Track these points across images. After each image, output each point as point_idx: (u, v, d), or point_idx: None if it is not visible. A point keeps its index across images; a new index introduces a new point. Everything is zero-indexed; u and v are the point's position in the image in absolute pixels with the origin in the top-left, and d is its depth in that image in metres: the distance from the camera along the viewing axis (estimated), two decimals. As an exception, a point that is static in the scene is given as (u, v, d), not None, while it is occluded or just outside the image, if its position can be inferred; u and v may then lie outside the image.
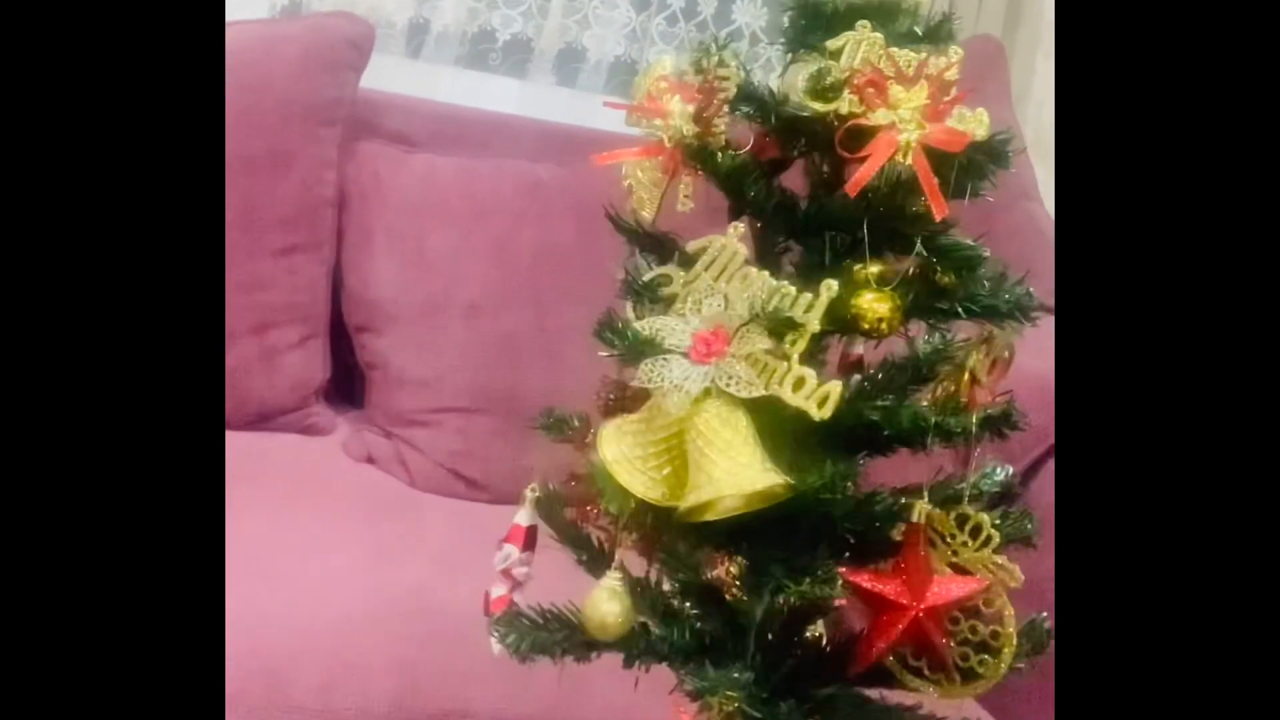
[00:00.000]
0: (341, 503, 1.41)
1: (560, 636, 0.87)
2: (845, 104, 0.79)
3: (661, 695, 0.86)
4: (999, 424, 0.83)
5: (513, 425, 1.51)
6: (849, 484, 0.79)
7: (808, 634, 0.88)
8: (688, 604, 0.90)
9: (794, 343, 0.77)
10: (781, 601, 0.79)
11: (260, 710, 1.08)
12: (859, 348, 0.86)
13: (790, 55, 0.85)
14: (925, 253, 0.81)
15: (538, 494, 0.90)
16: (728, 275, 0.80)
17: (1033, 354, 0.86)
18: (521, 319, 1.57)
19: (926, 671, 0.84)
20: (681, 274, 0.83)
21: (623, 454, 0.81)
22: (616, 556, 0.86)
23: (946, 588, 0.80)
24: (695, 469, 0.78)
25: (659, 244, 0.87)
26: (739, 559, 0.87)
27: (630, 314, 0.85)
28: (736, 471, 0.76)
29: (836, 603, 0.84)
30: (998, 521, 0.82)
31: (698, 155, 0.83)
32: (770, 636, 0.85)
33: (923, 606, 0.80)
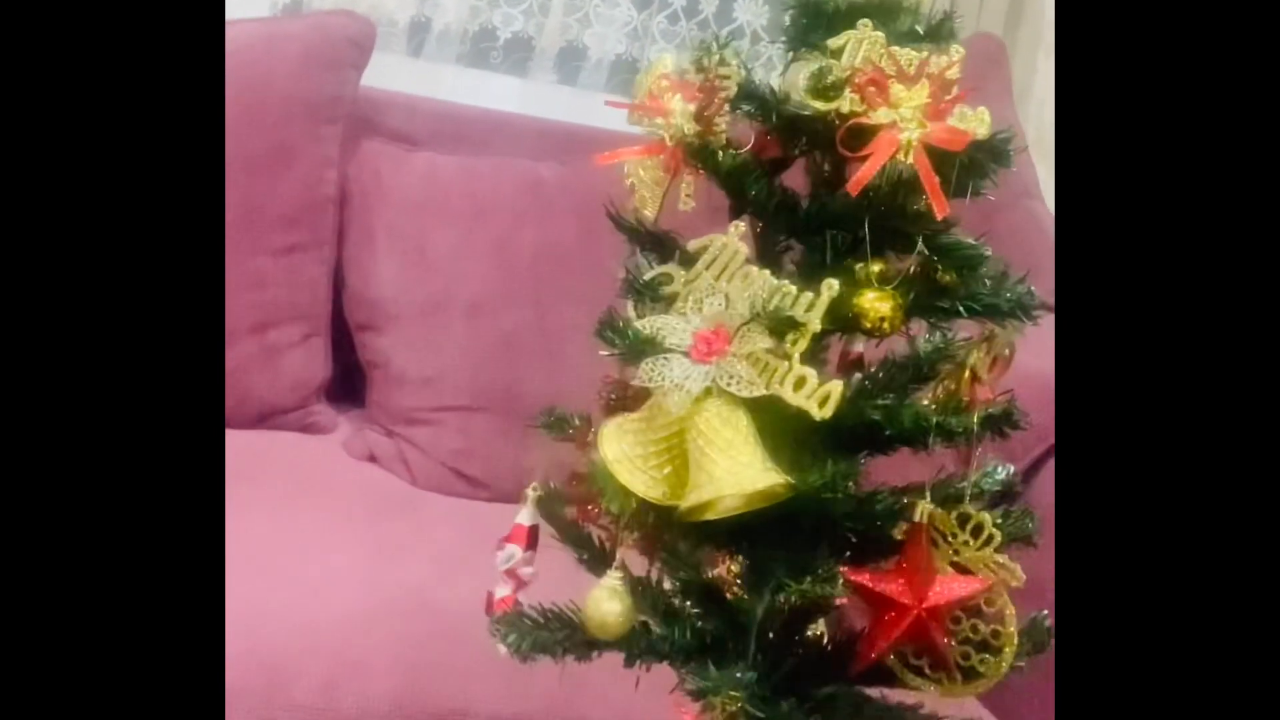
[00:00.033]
0: (343, 501, 1.42)
1: (561, 636, 0.87)
2: (846, 103, 0.79)
3: (662, 695, 0.86)
4: (1000, 423, 0.83)
5: (514, 424, 1.51)
6: (850, 483, 0.79)
7: (809, 633, 0.88)
8: (689, 603, 0.90)
9: (795, 342, 0.77)
10: (782, 600, 0.79)
11: (262, 708, 1.08)
12: (860, 346, 0.86)
13: (791, 54, 0.85)
14: (927, 251, 0.81)
15: (539, 493, 0.90)
16: (729, 274, 0.80)
17: (1034, 353, 0.86)
18: (522, 318, 1.57)
19: (928, 670, 0.84)
20: (682, 273, 0.83)
21: (623, 453, 0.81)
22: (617, 555, 0.86)
23: (948, 587, 0.80)
24: (696, 468, 0.78)
25: (660, 243, 0.87)
26: (740, 558, 0.88)
27: (631, 313, 0.85)
28: (737, 471, 0.76)
29: (838, 602, 0.84)
30: (999, 520, 0.82)
31: (699, 154, 0.83)
32: (771, 635, 0.85)
33: (924, 606, 0.80)
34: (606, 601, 0.85)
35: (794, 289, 0.78)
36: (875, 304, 0.79)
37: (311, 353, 1.59)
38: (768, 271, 0.79)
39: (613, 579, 0.85)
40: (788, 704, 0.82)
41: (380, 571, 1.25)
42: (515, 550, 0.90)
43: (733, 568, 0.90)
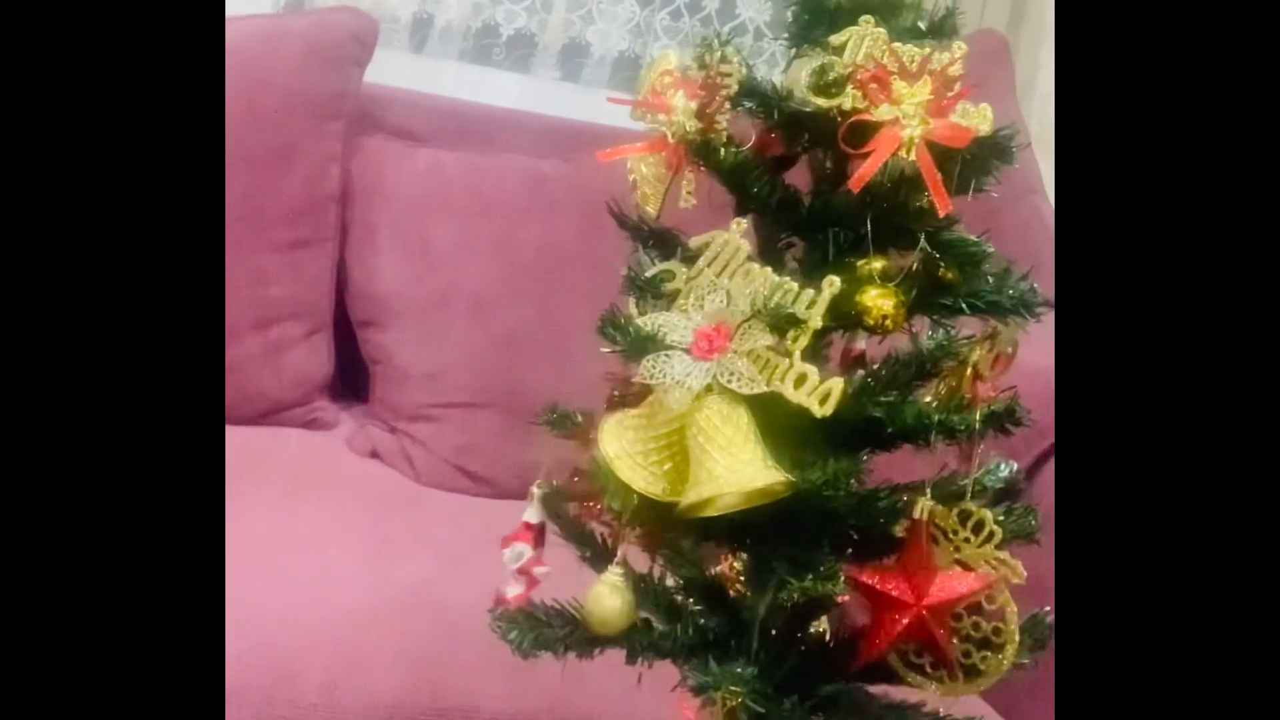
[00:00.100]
0: (346, 498, 1.42)
1: (563, 633, 0.87)
2: (848, 99, 0.79)
3: (665, 692, 0.86)
4: (1002, 420, 0.83)
5: (516, 420, 1.51)
6: (852, 480, 0.79)
7: (811, 631, 0.88)
8: (690, 600, 0.90)
9: (796, 339, 0.77)
10: (784, 598, 0.79)
11: (265, 705, 1.08)
12: (862, 343, 0.86)
13: (793, 50, 0.85)
14: (929, 248, 0.81)
15: (544, 491, 0.90)
16: (730, 271, 0.80)
17: (1037, 350, 0.86)
18: (525, 314, 1.57)
19: (929, 669, 0.84)
20: (684, 270, 0.83)
21: (624, 449, 0.81)
22: (619, 552, 0.86)
23: (949, 584, 0.80)
24: (696, 465, 0.78)
25: (662, 240, 0.87)
26: (742, 555, 0.88)
27: (633, 310, 0.85)
28: (737, 469, 0.76)
29: (840, 599, 0.84)
30: (1001, 518, 0.82)
31: (701, 151, 0.83)
32: (773, 633, 0.85)
33: (925, 603, 0.80)
34: (608, 598, 0.85)
35: (795, 286, 0.78)
36: (877, 301, 0.79)
37: (314, 349, 1.59)
38: (769, 269, 0.79)
39: (614, 575, 0.85)
40: (790, 701, 0.82)
41: (383, 568, 1.25)
42: (525, 549, 0.89)
43: (735, 565, 0.90)
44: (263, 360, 1.54)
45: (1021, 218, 1.61)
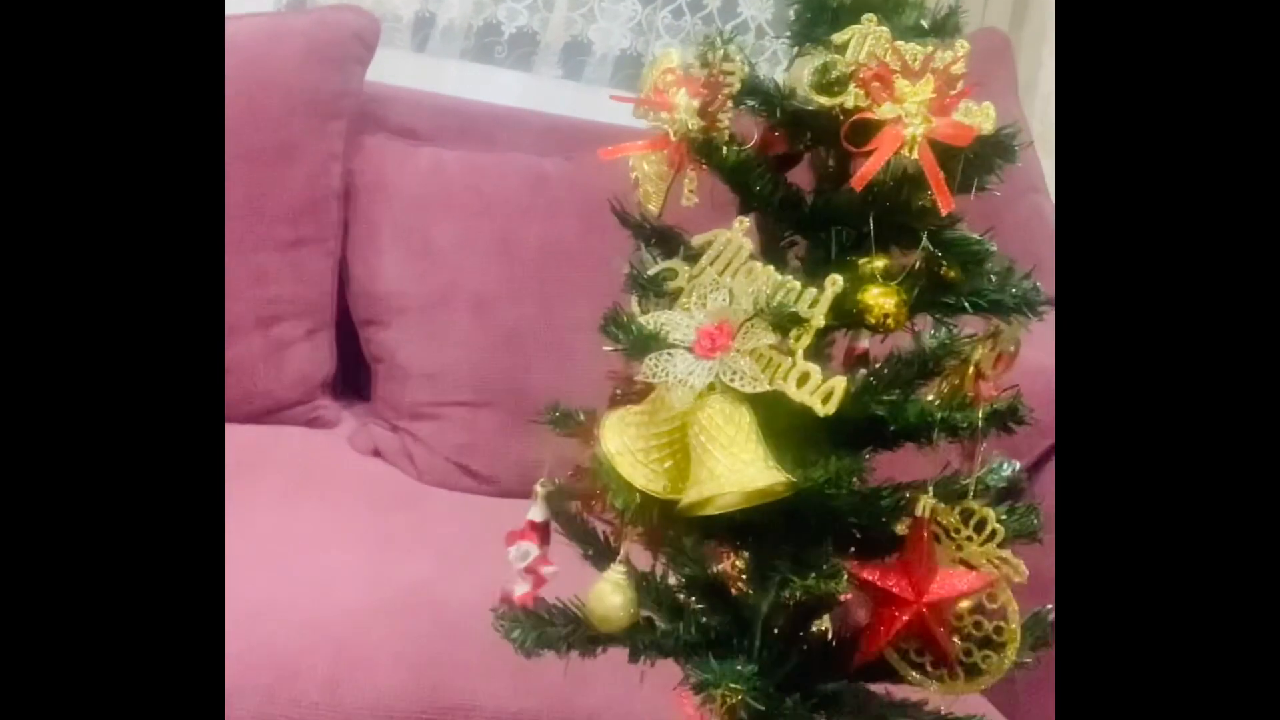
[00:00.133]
0: (347, 496, 1.42)
1: (565, 631, 0.87)
2: (851, 98, 0.79)
3: (667, 690, 0.86)
4: (1005, 419, 0.83)
5: (519, 419, 1.51)
6: (854, 479, 0.79)
7: (813, 629, 0.88)
8: (693, 598, 0.90)
9: (799, 338, 0.77)
10: (787, 596, 0.79)
11: (267, 703, 1.08)
12: (865, 342, 0.86)
13: (796, 49, 0.85)
14: (931, 247, 0.81)
15: (548, 489, 0.90)
16: (733, 270, 0.80)
17: (1039, 349, 0.86)
18: (527, 312, 1.57)
19: (930, 667, 0.84)
20: (687, 268, 0.83)
21: (625, 446, 0.81)
22: (621, 550, 0.86)
23: (949, 582, 0.80)
24: (697, 464, 0.78)
25: (664, 238, 0.87)
26: (744, 553, 0.88)
27: (635, 308, 0.85)
28: (739, 469, 0.76)
29: (842, 598, 0.84)
30: (1003, 517, 0.82)
31: (703, 149, 0.83)
32: (775, 631, 0.85)
33: (925, 601, 0.80)
34: (609, 595, 0.85)
35: (798, 285, 0.78)
36: (879, 300, 0.79)
37: (316, 347, 1.59)
38: (772, 267, 0.79)
39: (617, 573, 0.85)
40: (791, 700, 0.82)
41: (384, 567, 1.25)
42: (531, 547, 0.89)
43: (737, 563, 0.90)
44: (264, 359, 1.54)
45: (1023, 216, 1.61)
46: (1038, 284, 0.82)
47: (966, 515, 0.82)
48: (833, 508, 0.79)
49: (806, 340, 0.77)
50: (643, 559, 0.89)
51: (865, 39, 0.80)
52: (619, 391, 0.87)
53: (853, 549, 0.83)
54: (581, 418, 0.88)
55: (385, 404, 1.59)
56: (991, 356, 0.82)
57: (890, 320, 0.79)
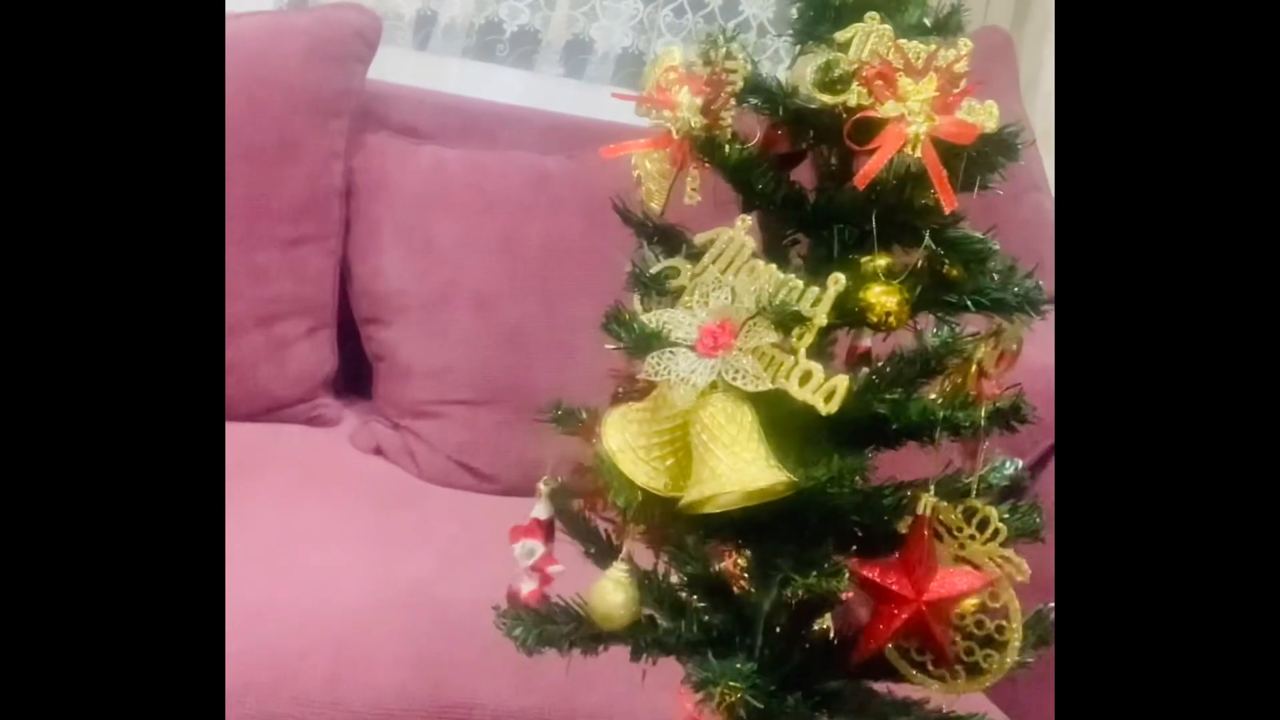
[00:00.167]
0: (349, 494, 1.42)
1: (567, 629, 0.87)
2: (854, 96, 0.79)
3: (669, 689, 0.86)
4: (1007, 417, 0.83)
5: (520, 417, 1.51)
6: (857, 478, 0.79)
7: (815, 627, 0.88)
8: (695, 596, 0.90)
9: (801, 336, 0.77)
10: (788, 595, 0.79)
11: (268, 701, 1.08)
12: (867, 340, 0.86)
13: (798, 47, 0.85)
14: (934, 245, 0.81)
15: (552, 486, 0.90)
16: (735, 268, 0.80)
17: (1042, 347, 0.86)
18: (529, 311, 1.57)
19: (931, 667, 0.84)
20: (689, 267, 0.83)
21: (626, 443, 0.81)
22: (624, 548, 0.86)
23: (949, 581, 0.80)
24: (699, 463, 0.78)
25: (667, 236, 0.87)
26: (746, 552, 0.87)
27: (637, 306, 0.85)
28: (740, 468, 0.76)
29: (844, 596, 0.84)
30: (1006, 515, 0.82)
31: (705, 147, 0.82)
32: (777, 630, 0.85)
33: (925, 599, 0.80)
34: (612, 594, 0.85)
35: (800, 283, 0.78)
36: (882, 298, 0.79)
37: (318, 345, 1.59)
38: (774, 265, 0.79)
39: (619, 571, 0.85)
40: (793, 698, 0.82)
41: (386, 565, 1.25)
42: (536, 545, 0.89)
43: (739, 561, 0.90)
44: (266, 357, 1.54)
45: (1025, 215, 1.61)
46: (1040, 283, 0.82)
47: (969, 514, 0.82)
48: (835, 506, 0.79)
49: (809, 339, 0.77)
50: (645, 557, 0.89)
51: (868, 37, 0.79)
52: (621, 390, 0.87)
53: (854, 548, 0.83)
54: (584, 416, 0.88)
55: (387, 402, 1.59)
56: (994, 355, 0.82)
57: (892, 319, 0.79)
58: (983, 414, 0.80)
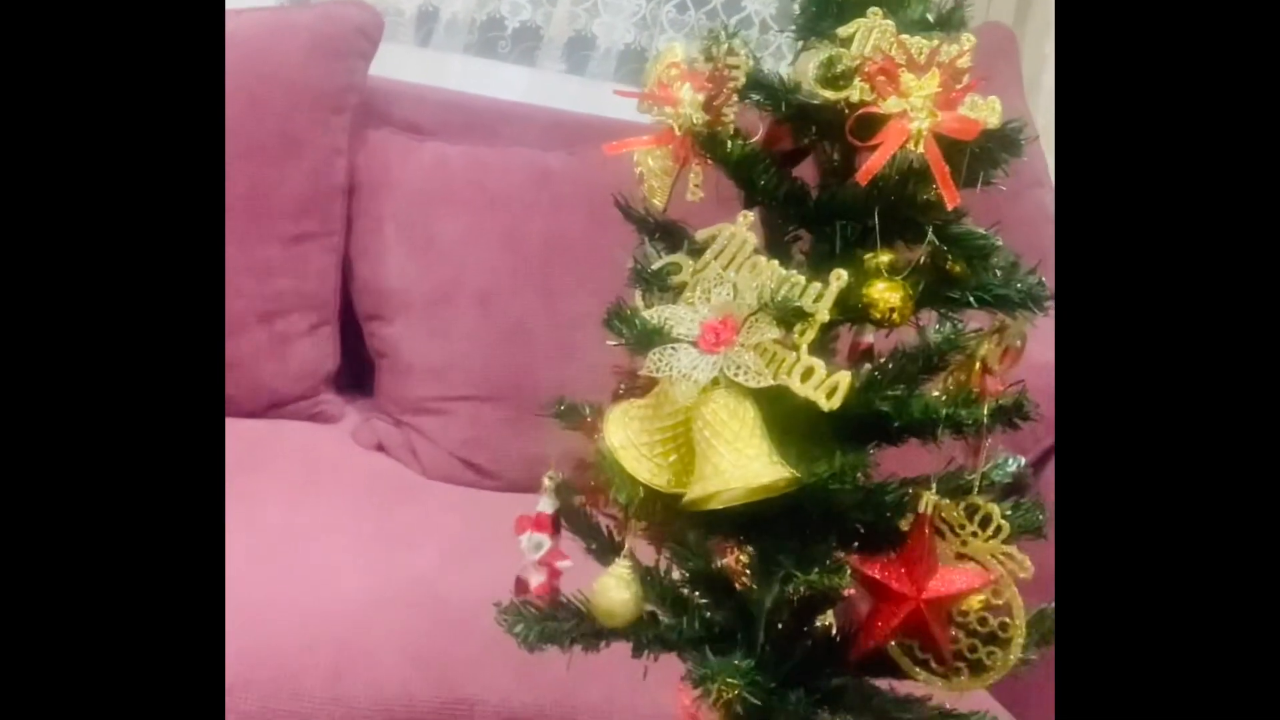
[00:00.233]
0: (351, 491, 1.42)
1: (569, 625, 0.87)
2: (856, 92, 0.79)
3: (670, 685, 0.86)
4: (1010, 414, 0.83)
5: (522, 413, 1.51)
6: (859, 474, 0.79)
7: (817, 624, 0.88)
8: (697, 593, 0.90)
9: (803, 332, 0.77)
10: (790, 591, 0.79)
11: (269, 697, 1.08)
12: (870, 337, 0.85)
13: (801, 43, 0.84)
14: (937, 241, 0.81)
15: (557, 480, 0.90)
16: (737, 264, 0.80)
17: (1045, 344, 0.86)
18: (531, 307, 1.57)
19: (933, 664, 0.84)
20: (691, 263, 0.83)
21: (628, 440, 0.81)
22: (626, 545, 0.86)
23: (948, 579, 0.80)
24: (701, 459, 0.78)
25: (669, 232, 0.87)
26: (748, 548, 0.87)
27: (639, 303, 0.85)
28: (743, 464, 0.76)
29: (846, 593, 0.84)
30: (1008, 512, 0.82)
31: (707, 143, 0.82)
32: (779, 626, 0.85)
33: (924, 597, 0.80)
34: (614, 590, 0.85)
35: (802, 279, 0.78)
36: (885, 294, 0.79)
37: (320, 342, 1.59)
38: (776, 261, 0.79)
39: (621, 568, 0.85)
40: (795, 694, 0.82)
41: (388, 561, 1.25)
42: (544, 539, 0.89)
43: (741, 558, 0.90)
44: (268, 353, 1.54)
45: (1028, 211, 1.60)
46: (1043, 279, 0.82)
47: (971, 511, 0.82)
48: (836, 503, 0.79)
49: (811, 335, 0.77)
50: (646, 553, 0.89)
51: (870, 33, 0.79)
52: (622, 386, 0.87)
53: (856, 544, 0.82)
54: (586, 411, 0.88)
55: (389, 399, 1.59)
56: (998, 352, 0.82)
57: (895, 315, 0.79)
58: (985, 411, 0.80)
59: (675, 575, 0.91)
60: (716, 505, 0.78)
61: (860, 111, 0.78)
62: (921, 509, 0.80)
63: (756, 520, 0.80)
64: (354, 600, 1.18)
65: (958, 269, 0.82)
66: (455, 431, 1.54)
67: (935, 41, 0.79)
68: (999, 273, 0.82)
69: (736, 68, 0.81)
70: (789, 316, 0.77)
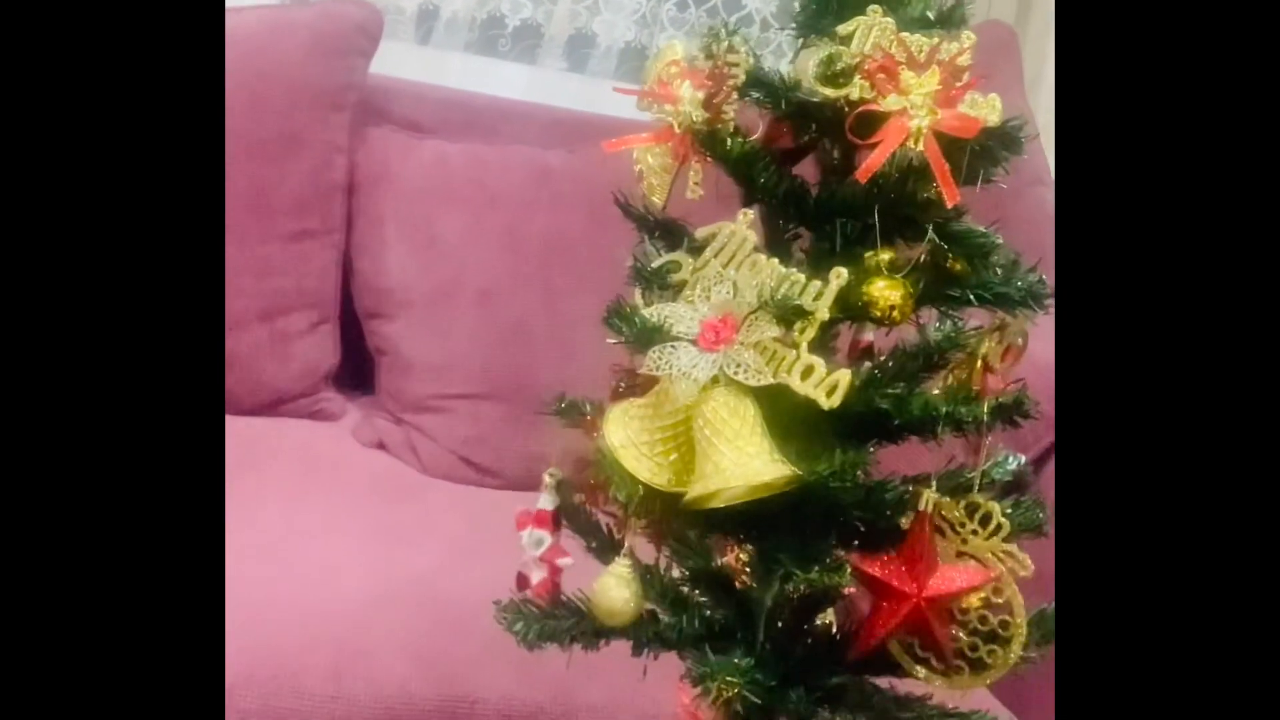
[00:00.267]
0: (351, 488, 1.42)
1: (569, 624, 0.87)
2: (856, 89, 0.78)
3: (670, 683, 0.86)
4: (1011, 412, 0.83)
5: (523, 411, 1.51)
6: (859, 472, 0.78)
7: (817, 622, 0.88)
8: (697, 591, 0.90)
9: (803, 330, 0.77)
10: (790, 589, 0.79)
11: (270, 695, 1.08)
12: (870, 335, 0.85)
13: (801, 40, 0.84)
14: (937, 239, 0.81)
15: (558, 478, 0.90)
16: (737, 262, 0.80)
17: (1046, 342, 0.86)
18: (531, 305, 1.57)
19: (934, 662, 0.84)
20: (691, 261, 0.82)
21: (629, 439, 0.81)
22: (626, 543, 0.86)
23: (949, 577, 0.80)
24: (702, 458, 0.78)
25: (668, 230, 0.87)
26: (748, 546, 0.87)
27: (639, 301, 0.85)
28: (744, 462, 0.76)
29: (847, 591, 0.84)
30: (1008, 510, 0.82)
31: (707, 141, 0.82)
32: (780, 624, 0.85)
33: (924, 595, 0.79)
34: (616, 590, 0.85)
35: (802, 277, 0.78)
36: (885, 292, 0.79)
37: (321, 340, 1.59)
38: (776, 259, 0.79)
39: (621, 566, 0.85)
40: (795, 693, 0.82)
41: (388, 560, 1.25)
42: (544, 536, 0.89)
43: (741, 556, 0.89)
44: (269, 351, 1.54)
45: (1029, 209, 1.60)
46: (1043, 277, 0.82)
47: (972, 509, 0.82)
48: (837, 501, 0.79)
49: (811, 333, 0.77)
50: (646, 551, 0.89)
51: (870, 30, 0.79)
52: (622, 384, 0.87)
53: (856, 542, 0.82)
54: (587, 409, 0.88)
55: (389, 396, 1.59)
56: (999, 350, 0.81)
57: (895, 313, 0.79)
58: (985, 409, 0.80)
59: (675, 573, 0.91)
60: (718, 504, 0.78)
61: (860, 109, 0.78)
62: (922, 507, 0.80)
63: (757, 518, 0.80)
64: (354, 598, 1.18)
65: (958, 267, 0.82)
66: (456, 429, 1.54)
67: (935, 39, 0.79)
68: (999, 271, 0.82)
69: (736, 65, 0.81)
70: (789, 314, 0.77)
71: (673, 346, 0.79)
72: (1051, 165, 1.71)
